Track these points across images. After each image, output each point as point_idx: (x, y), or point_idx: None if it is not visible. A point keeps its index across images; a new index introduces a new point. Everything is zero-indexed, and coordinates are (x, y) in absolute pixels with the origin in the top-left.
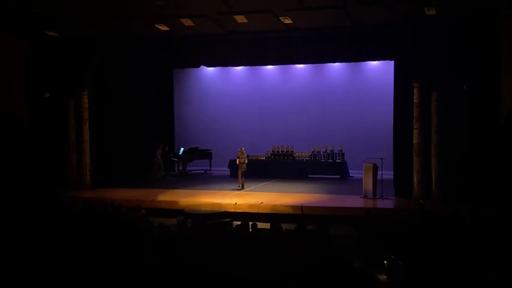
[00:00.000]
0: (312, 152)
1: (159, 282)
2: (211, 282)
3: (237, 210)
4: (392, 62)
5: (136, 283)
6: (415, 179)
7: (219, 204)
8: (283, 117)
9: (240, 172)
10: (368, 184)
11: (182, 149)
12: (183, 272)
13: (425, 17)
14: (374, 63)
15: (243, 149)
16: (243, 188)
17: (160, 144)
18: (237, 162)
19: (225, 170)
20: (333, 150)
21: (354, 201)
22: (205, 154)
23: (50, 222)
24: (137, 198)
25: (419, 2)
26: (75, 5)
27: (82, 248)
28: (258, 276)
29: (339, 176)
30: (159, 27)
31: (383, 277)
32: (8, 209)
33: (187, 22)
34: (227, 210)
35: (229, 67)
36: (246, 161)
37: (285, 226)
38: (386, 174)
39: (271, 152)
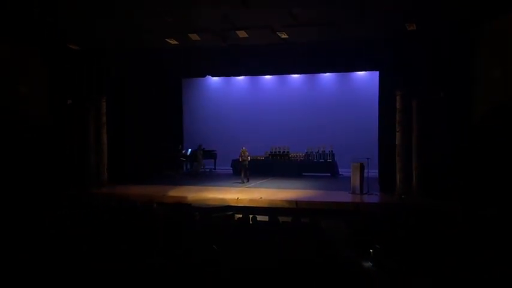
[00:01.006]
0: (306, 152)
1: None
2: (212, 279)
3: (239, 204)
4: (377, 72)
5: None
6: (397, 177)
7: (223, 199)
8: (280, 122)
9: (242, 169)
10: (356, 181)
11: (190, 149)
12: (185, 271)
13: (407, 32)
14: (361, 73)
15: (244, 148)
16: (244, 182)
17: (201, 144)
18: (240, 159)
19: (228, 169)
20: (324, 151)
21: (343, 197)
22: (211, 154)
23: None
24: (150, 194)
25: (401, 18)
26: (94, 20)
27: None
28: (257, 264)
29: (329, 174)
30: (169, 41)
31: (368, 264)
32: (21, 205)
33: (194, 37)
34: (230, 204)
35: (231, 76)
36: (249, 159)
37: (281, 219)
38: (372, 172)
39: (269, 152)
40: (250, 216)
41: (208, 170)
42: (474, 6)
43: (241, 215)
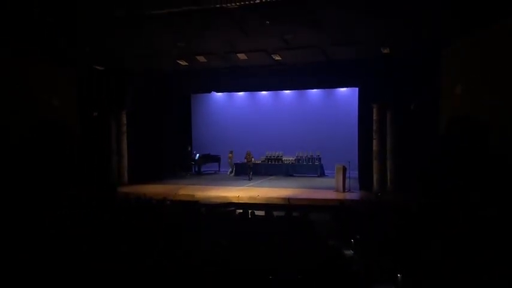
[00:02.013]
0: (297, 156)
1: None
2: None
3: (240, 201)
4: (357, 88)
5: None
6: (374, 177)
7: (226, 197)
8: (274, 131)
9: (248, 169)
10: (339, 181)
11: (198, 154)
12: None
13: (382, 54)
14: (343, 89)
15: (249, 151)
16: (250, 179)
17: (232, 150)
18: (246, 161)
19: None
20: (312, 156)
21: (328, 194)
22: (215, 159)
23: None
24: (163, 192)
25: (377, 43)
26: (116, 46)
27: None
28: (257, 259)
29: (316, 175)
30: (180, 62)
31: (350, 252)
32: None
33: (201, 59)
34: (232, 201)
35: (233, 92)
36: (252, 160)
37: (276, 213)
38: (353, 173)
39: (265, 157)
40: (249, 211)
41: (214, 172)
42: (438, 32)
43: (241, 211)
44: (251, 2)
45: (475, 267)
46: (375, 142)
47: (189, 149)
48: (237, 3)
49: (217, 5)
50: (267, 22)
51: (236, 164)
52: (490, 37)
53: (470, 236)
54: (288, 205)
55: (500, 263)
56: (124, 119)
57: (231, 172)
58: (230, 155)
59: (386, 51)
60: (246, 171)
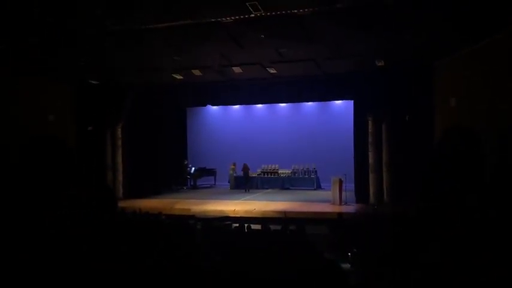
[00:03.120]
0: (293, 169)
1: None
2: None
3: (236, 215)
4: (352, 101)
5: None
6: (371, 190)
7: (222, 211)
8: (270, 144)
9: (245, 181)
10: (335, 194)
11: (193, 168)
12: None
13: (376, 67)
14: (338, 102)
15: (246, 164)
16: (247, 191)
17: (234, 162)
18: (242, 174)
19: (226, 185)
20: (308, 168)
21: (324, 207)
22: (211, 172)
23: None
24: (159, 206)
25: (372, 56)
26: (113, 60)
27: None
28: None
29: (313, 188)
30: (176, 76)
31: (347, 266)
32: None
33: (196, 72)
34: (228, 215)
35: (228, 105)
36: (249, 173)
37: (272, 227)
38: (349, 186)
39: (261, 170)
40: (246, 225)
41: (209, 185)
42: (433, 44)
43: (237, 224)
44: (246, 16)
45: (473, 270)
46: (370, 154)
47: (186, 162)
48: (232, 18)
49: (213, 19)
50: (262, 36)
51: (236, 177)
52: (484, 48)
53: (468, 238)
54: (284, 218)
55: (499, 265)
56: (119, 133)
57: (233, 185)
58: (233, 166)
59: (381, 64)
60: (242, 184)
